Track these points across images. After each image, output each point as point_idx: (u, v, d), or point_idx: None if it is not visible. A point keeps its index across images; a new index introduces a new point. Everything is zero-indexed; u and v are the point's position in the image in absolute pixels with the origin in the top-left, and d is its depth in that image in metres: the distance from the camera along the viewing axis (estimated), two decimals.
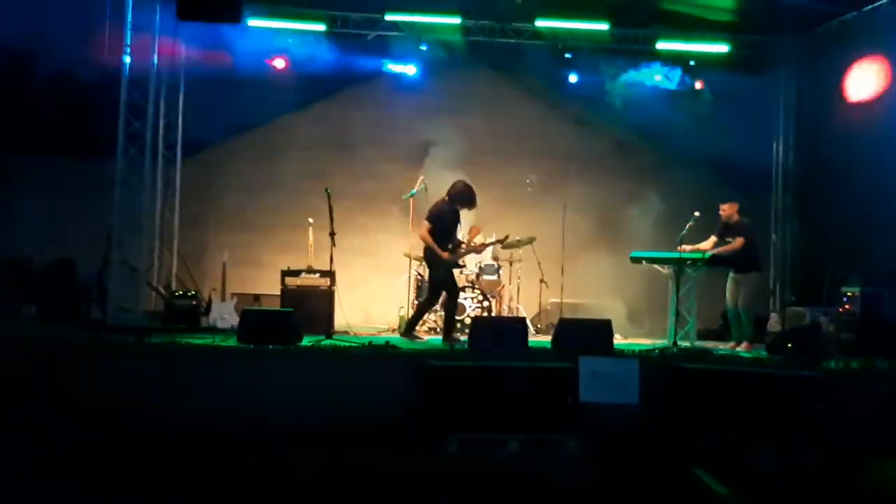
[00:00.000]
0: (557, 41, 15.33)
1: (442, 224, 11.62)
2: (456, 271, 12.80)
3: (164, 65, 14.54)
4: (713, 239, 12.52)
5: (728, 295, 12.45)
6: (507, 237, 13.23)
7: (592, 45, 15.45)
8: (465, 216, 12.39)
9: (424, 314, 12.38)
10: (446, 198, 11.77)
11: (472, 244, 13.62)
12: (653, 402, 9.43)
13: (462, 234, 12.92)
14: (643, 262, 12.43)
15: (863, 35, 14.01)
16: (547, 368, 9.33)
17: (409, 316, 12.60)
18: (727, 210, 12.52)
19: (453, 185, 11.82)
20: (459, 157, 15.34)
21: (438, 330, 13.15)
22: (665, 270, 12.25)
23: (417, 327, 12.16)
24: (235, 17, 12.66)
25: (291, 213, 14.87)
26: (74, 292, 12.92)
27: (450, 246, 11.71)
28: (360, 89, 16.04)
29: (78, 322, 11.43)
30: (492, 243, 13.38)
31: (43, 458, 7.96)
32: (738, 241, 12.28)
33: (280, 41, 14.88)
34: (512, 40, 15.42)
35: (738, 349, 11.95)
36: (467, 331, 11.46)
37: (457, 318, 12.31)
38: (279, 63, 15.06)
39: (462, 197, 11.70)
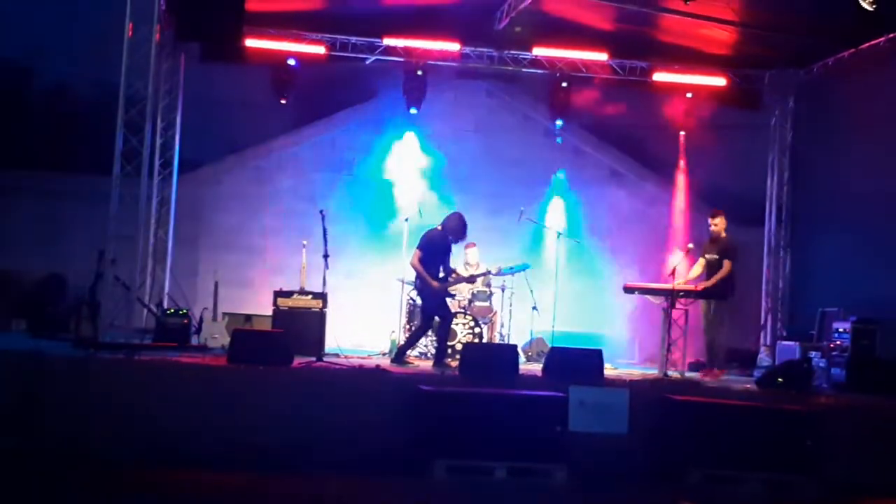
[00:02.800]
0: (555, 70, 15.38)
1: (433, 252, 11.62)
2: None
3: (162, 82, 14.56)
4: (702, 261, 12.36)
5: (703, 320, 12.39)
6: (499, 268, 13.25)
7: (590, 74, 15.52)
8: None
9: (417, 342, 12.36)
10: (440, 227, 11.79)
11: (467, 266, 13.65)
12: (642, 433, 9.41)
13: (457, 248, 12.93)
14: (636, 292, 12.44)
15: (859, 73, 14.09)
16: (537, 397, 9.31)
17: (400, 340, 12.58)
18: (718, 223, 12.29)
19: (448, 217, 11.85)
20: (455, 183, 15.40)
21: (430, 355, 13.12)
22: (657, 301, 12.24)
23: (409, 352, 12.13)
24: (235, 39, 12.71)
25: (285, 234, 14.87)
26: (65, 307, 12.88)
27: (441, 275, 11.71)
28: (358, 113, 16.09)
29: (68, 337, 11.37)
30: (481, 275, 13.38)
31: (30, 474, 7.92)
32: (725, 267, 12.03)
33: (279, 63, 14.89)
34: (510, 68, 15.49)
35: (706, 378, 11.84)
36: (458, 356, 11.44)
37: (448, 343, 12.29)
38: (278, 84, 15.05)
39: (455, 228, 11.72)
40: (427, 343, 13.25)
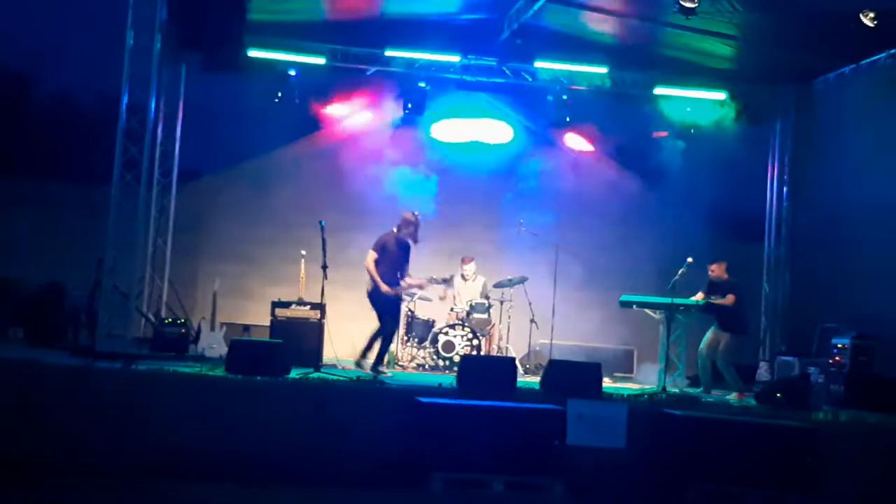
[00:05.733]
0: (556, 82, 15.40)
1: (388, 255, 11.60)
2: (435, 307, 12.77)
3: (163, 92, 14.56)
4: (700, 295, 12.38)
5: (703, 344, 12.35)
6: (451, 276, 13.29)
7: (591, 87, 15.54)
8: (460, 246, 12.27)
9: (387, 344, 12.12)
10: (395, 229, 11.78)
11: (464, 278, 13.65)
12: (640, 448, 9.38)
13: (454, 262, 12.88)
14: (634, 305, 12.39)
15: (860, 88, 14.09)
16: (535, 410, 9.29)
17: (398, 352, 12.55)
18: (716, 270, 12.34)
19: (402, 217, 11.84)
20: (453, 195, 15.38)
21: (426, 366, 13.13)
22: (656, 315, 12.21)
23: (405, 363, 12.08)
24: (237, 48, 12.72)
25: (284, 244, 14.84)
26: (63, 316, 12.86)
27: (398, 275, 11.68)
28: (358, 123, 16.07)
29: (65, 346, 11.34)
30: (440, 281, 13.33)
31: (28, 482, 7.90)
32: (728, 299, 12.09)
33: (280, 73, 14.90)
34: (510, 80, 15.48)
35: (729, 398, 11.88)
36: (456, 368, 11.41)
37: (445, 355, 12.24)
38: (278, 95, 15.04)
39: (407, 227, 11.72)
40: (425, 354, 13.25)
